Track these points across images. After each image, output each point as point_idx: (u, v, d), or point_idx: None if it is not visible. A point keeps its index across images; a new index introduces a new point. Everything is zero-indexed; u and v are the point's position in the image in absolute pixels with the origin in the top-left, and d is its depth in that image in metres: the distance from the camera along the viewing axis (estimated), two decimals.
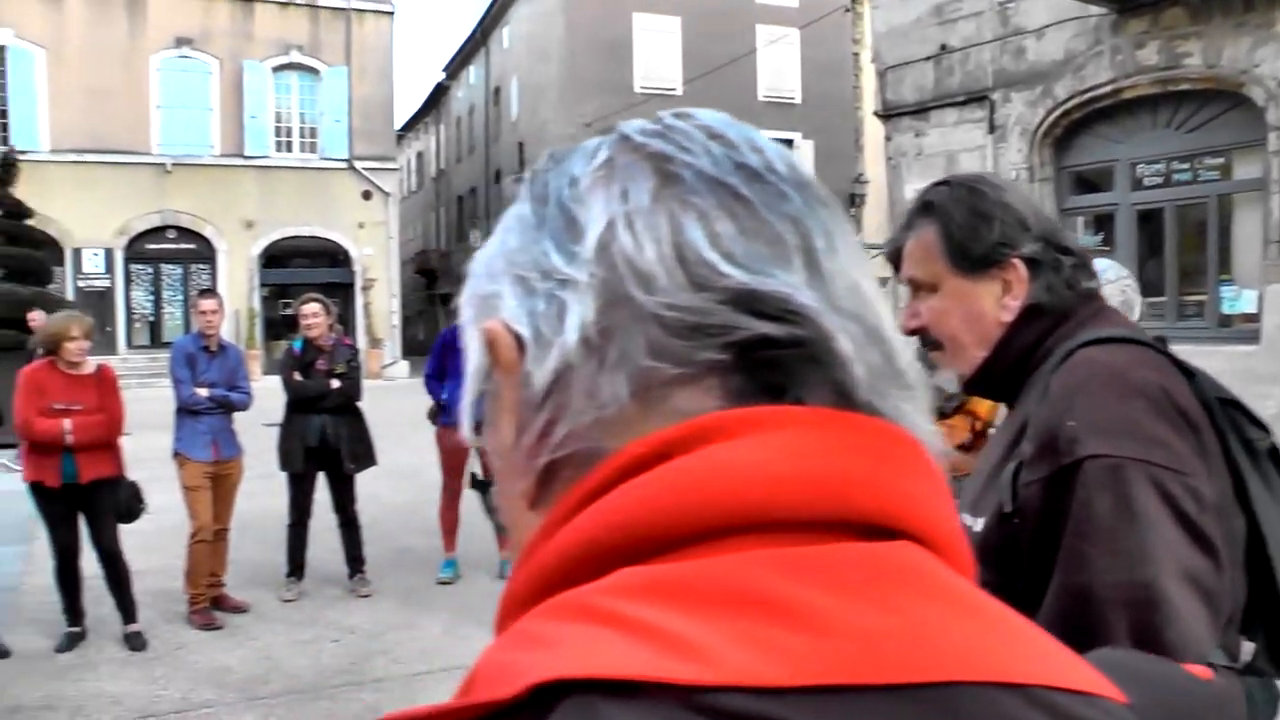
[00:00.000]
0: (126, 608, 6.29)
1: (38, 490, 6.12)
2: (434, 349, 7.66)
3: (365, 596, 7.05)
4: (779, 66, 33.16)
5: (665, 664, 0.47)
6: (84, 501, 6.13)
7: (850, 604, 0.50)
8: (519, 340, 0.61)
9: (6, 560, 7.07)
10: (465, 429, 0.69)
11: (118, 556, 6.26)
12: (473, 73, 44.56)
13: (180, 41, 29.87)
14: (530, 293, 0.61)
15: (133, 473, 6.45)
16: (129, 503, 6.30)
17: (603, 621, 0.49)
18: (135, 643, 6.16)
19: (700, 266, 0.57)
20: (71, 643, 6.17)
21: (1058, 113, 12.66)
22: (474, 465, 7.12)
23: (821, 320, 0.57)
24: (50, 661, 6.02)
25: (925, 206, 1.69)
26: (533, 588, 0.56)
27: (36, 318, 13.20)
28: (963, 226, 1.62)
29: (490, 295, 0.64)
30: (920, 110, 14.17)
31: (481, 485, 7.19)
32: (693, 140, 0.61)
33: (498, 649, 0.53)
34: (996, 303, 1.62)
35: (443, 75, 48.95)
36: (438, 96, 50.80)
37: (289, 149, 31.13)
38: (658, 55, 31.88)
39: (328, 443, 7.01)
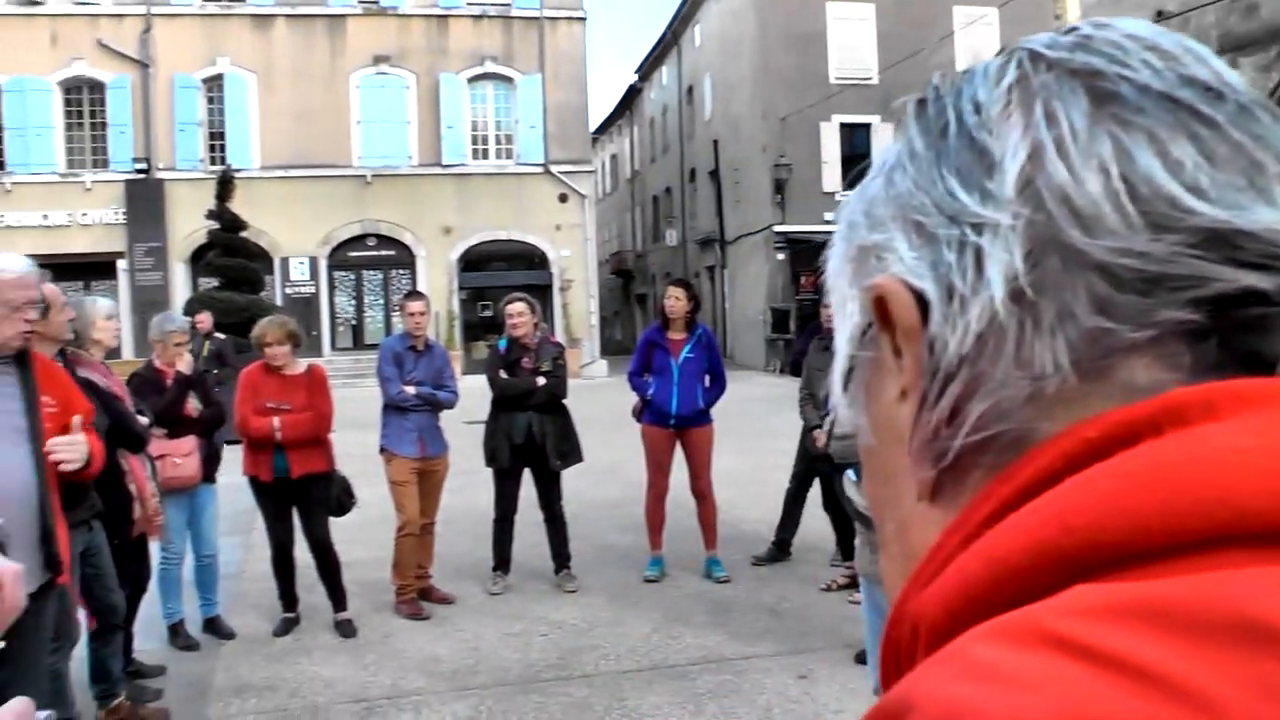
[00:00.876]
0: (337, 596, 6.50)
1: (254, 484, 6.38)
2: (638, 346, 7.62)
3: (571, 592, 7.02)
4: (978, 48, 32.02)
5: None
6: (296, 495, 6.34)
7: None
8: (920, 299, 0.49)
9: (229, 549, 7.36)
10: (836, 404, 0.57)
11: (329, 548, 6.46)
12: (665, 73, 44.72)
13: (378, 59, 31.01)
14: (931, 241, 0.50)
15: (342, 468, 6.61)
16: (340, 497, 6.51)
17: (1078, 657, 0.37)
18: (346, 630, 6.36)
19: (1159, 202, 0.45)
20: (287, 627, 6.45)
21: None
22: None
23: None
24: (269, 644, 6.26)
25: None
26: (953, 603, 0.43)
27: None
28: None
29: (874, 247, 0.53)
30: None
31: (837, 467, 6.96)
32: (1124, 50, 0.49)
33: (944, 679, 0.39)
34: None
35: (635, 77, 49.32)
36: (630, 98, 51.25)
37: (485, 156, 31.86)
38: (852, 44, 31.16)
39: (534, 440, 6.99)
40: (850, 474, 3.29)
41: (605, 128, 54.73)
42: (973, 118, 0.51)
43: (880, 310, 0.51)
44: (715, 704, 5.06)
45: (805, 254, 29.96)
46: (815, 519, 7.66)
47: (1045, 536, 0.41)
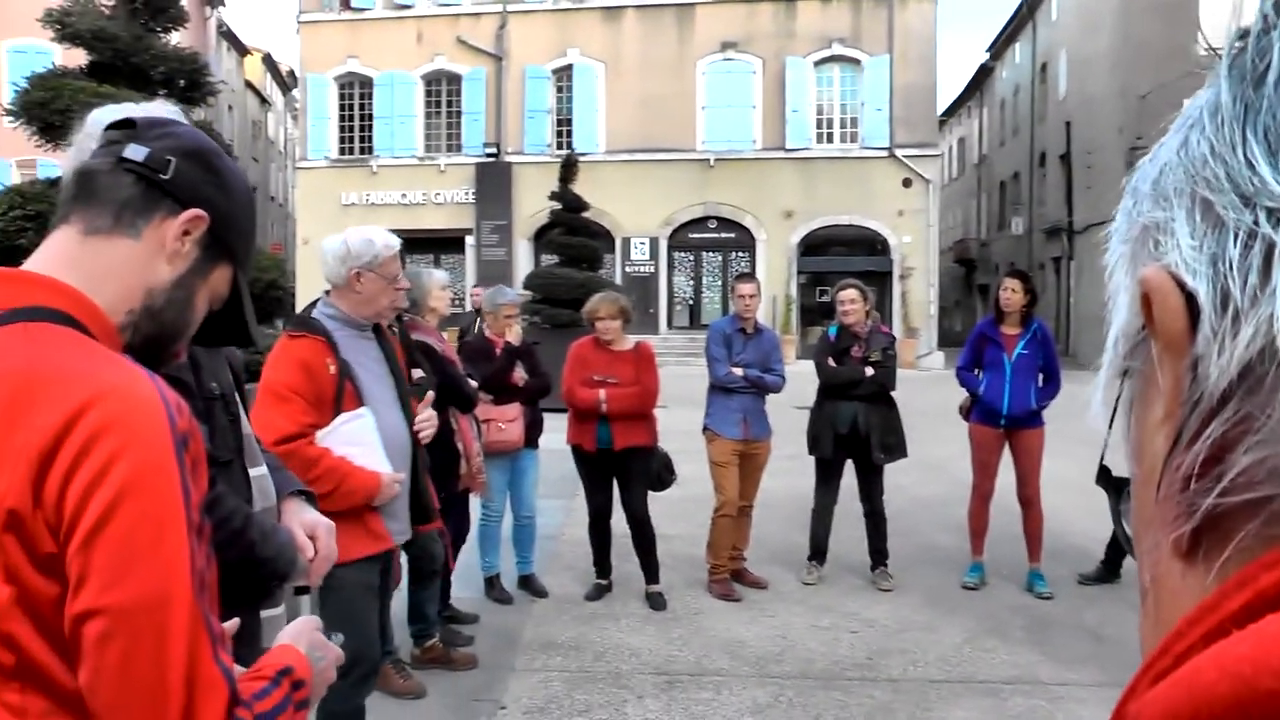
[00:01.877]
0: (650, 569, 6.63)
1: (576, 453, 6.61)
2: (969, 339, 7.26)
3: (886, 590, 6.84)
4: None
5: None
6: (617, 467, 6.51)
7: None
8: (1190, 301, 0.37)
9: (550, 511, 7.74)
10: (1095, 413, 0.49)
11: (645, 521, 6.58)
12: (1018, 50, 42.66)
13: (725, 45, 31.54)
14: (1217, 227, 0.37)
15: (667, 443, 6.73)
16: (660, 472, 6.62)
17: None
18: (656, 602, 6.51)
19: None
20: (599, 593, 6.70)
21: None
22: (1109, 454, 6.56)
23: None
24: (580, 607, 6.50)
25: None
26: (1203, 711, 0.32)
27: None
28: None
29: (1154, 227, 0.41)
30: None
31: (1112, 483, 6.58)
32: None
33: None
34: None
35: (986, 56, 47.38)
36: (980, 79, 49.30)
37: (829, 140, 31.62)
38: (1226, 13, 28.45)
39: (858, 430, 6.85)
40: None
41: (953, 110, 52.97)
42: None
43: (1146, 310, 0.41)
44: None
45: None
46: None
47: None
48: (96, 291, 1.22)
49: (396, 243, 3.78)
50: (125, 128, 1.33)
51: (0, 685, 1.08)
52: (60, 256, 1.24)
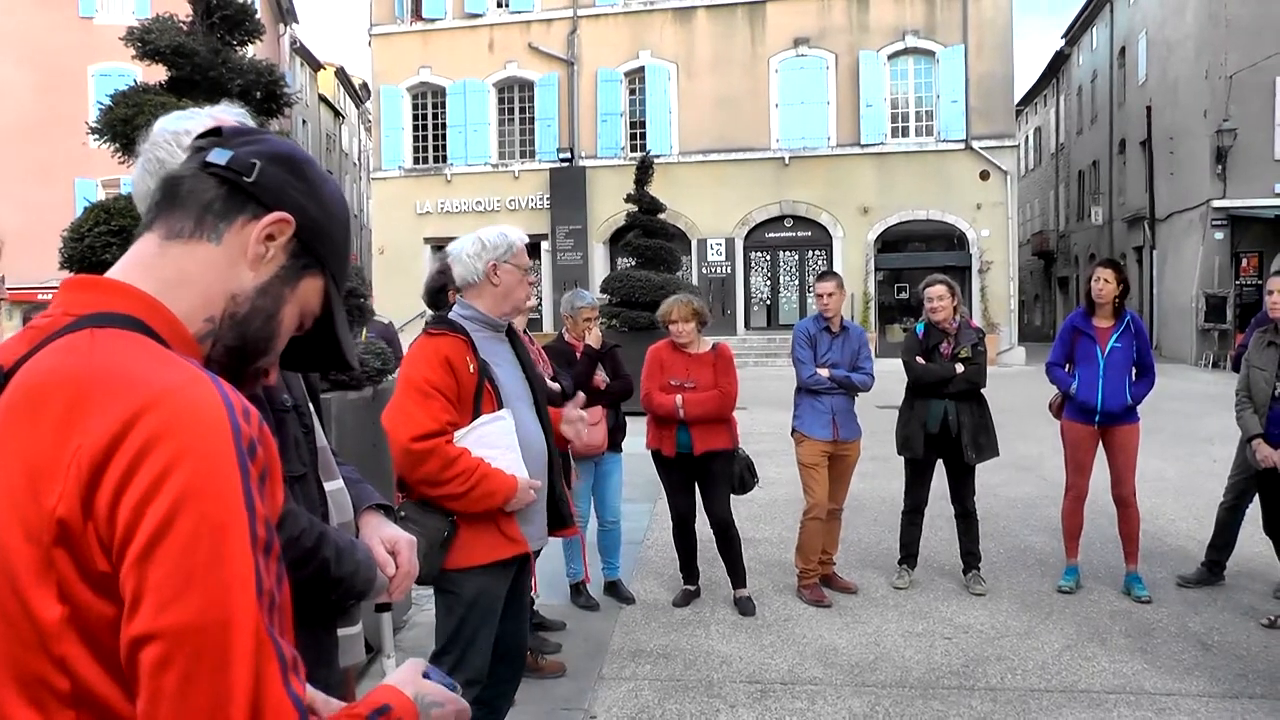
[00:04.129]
0: (736, 573, 6.52)
1: (656, 457, 6.53)
2: (1060, 333, 7.00)
3: (980, 595, 6.66)
4: None
5: None
6: (698, 471, 6.41)
7: None
8: None
9: (636, 515, 7.67)
10: None
11: (730, 525, 6.46)
12: (1095, 35, 41.66)
13: (798, 42, 31.30)
14: None
15: (750, 445, 6.63)
16: (742, 475, 6.50)
17: None
18: (744, 607, 6.41)
19: None
20: (686, 599, 6.61)
21: None
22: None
23: None
24: (668, 613, 6.41)
25: None
26: None
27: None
28: None
29: None
30: None
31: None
32: None
33: None
34: None
35: (1062, 42, 46.40)
36: (1057, 66, 48.30)
37: (905, 134, 31.21)
38: None
39: (949, 430, 6.69)
40: None
41: (1029, 99, 52.03)
42: None
43: None
44: None
45: (1250, 232, 26.95)
46: (1254, 540, 6.84)
47: None
48: (173, 297, 1.17)
49: (525, 236, 3.79)
50: (212, 136, 1.29)
51: (55, 713, 1.02)
52: (137, 263, 1.20)
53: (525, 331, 5.83)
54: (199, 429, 1.01)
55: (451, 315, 3.66)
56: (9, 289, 27.68)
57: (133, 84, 7.43)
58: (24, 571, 1.01)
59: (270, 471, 1.07)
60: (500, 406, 3.53)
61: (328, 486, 2.17)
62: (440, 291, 5.18)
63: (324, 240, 1.31)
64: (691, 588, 6.70)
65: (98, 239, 6.70)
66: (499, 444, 3.47)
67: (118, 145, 7.04)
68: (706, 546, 6.65)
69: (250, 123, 1.34)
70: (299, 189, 1.28)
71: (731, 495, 6.49)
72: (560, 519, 3.81)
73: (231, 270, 1.22)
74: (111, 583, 0.99)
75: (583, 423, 3.97)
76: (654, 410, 6.39)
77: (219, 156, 1.24)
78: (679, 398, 6.28)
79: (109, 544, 0.98)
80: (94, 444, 0.99)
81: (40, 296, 24.90)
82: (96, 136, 7.34)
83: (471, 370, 3.47)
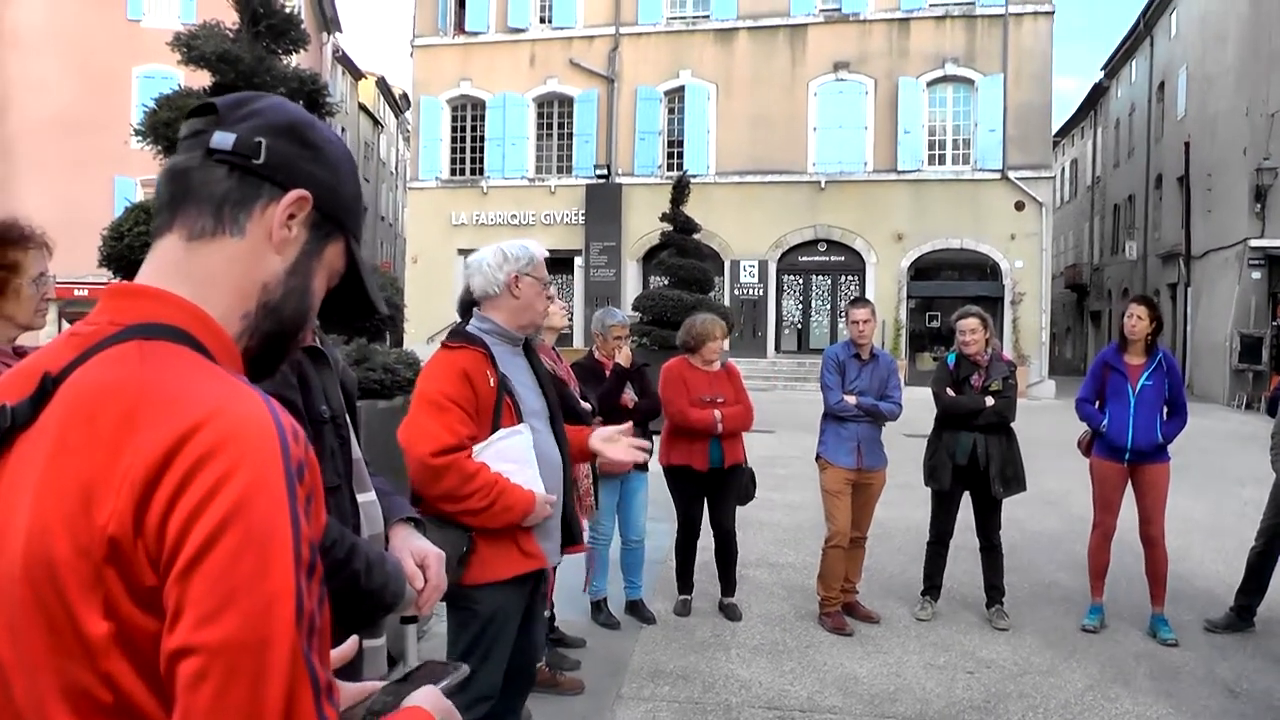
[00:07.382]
0: (729, 582, 6.88)
1: (675, 472, 6.67)
2: (1092, 369, 6.94)
3: (1003, 630, 6.60)
4: None
5: None
6: (714, 483, 6.63)
7: None
8: None
9: (659, 534, 7.64)
10: None
11: (732, 535, 6.79)
12: (1135, 68, 41.49)
13: (837, 66, 31.35)
14: None
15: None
16: (746, 486, 6.77)
17: None
18: (731, 613, 6.70)
19: None
20: (686, 608, 6.84)
21: None
22: None
23: None
24: (689, 635, 6.41)
25: None
26: None
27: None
28: None
29: None
30: None
31: None
32: None
33: None
34: None
35: (1100, 75, 46.23)
36: (1095, 98, 48.13)
37: (941, 161, 31.13)
38: None
39: (977, 462, 6.66)
40: None
41: (1066, 130, 51.84)
42: None
43: None
44: None
45: None
46: None
47: None
48: (209, 301, 1.16)
49: (546, 250, 3.79)
50: (206, 113, 1.24)
51: None
52: (169, 267, 1.18)
53: (554, 348, 5.86)
54: (250, 448, 1.00)
55: (469, 328, 3.64)
56: None
57: (176, 88, 7.53)
58: (73, 585, 1.01)
59: (315, 494, 1.07)
60: (520, 420, 3.51)
61: (360, 499, 2.18)
62: (475, 304, 5.19)
63: (339, 203, 1.29)
64: (688, 596, 6.91)
65: (136, 239, 6.80)
66: (517, 459, 3.43)
67: (160, 147, 7.14)
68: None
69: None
70: (308, 158, 1.25)
71: (737, 506, 6.78)
72: (570, 536, 3.80)
73: (259, 260, 1.21)
74: (157, 596, 0.99)
75: (626, 439, 3.85)
76: (691, 425, 6.47)
77: (222, 140, 1.20)
78: (717, 412, 6.43)
79: (157, 558, 0.99)
80: (145, 460, 0.99)
81: (76, 293, 25.10)
82: (140, 138, 7.43)
83: (491, 384, 3.44)
